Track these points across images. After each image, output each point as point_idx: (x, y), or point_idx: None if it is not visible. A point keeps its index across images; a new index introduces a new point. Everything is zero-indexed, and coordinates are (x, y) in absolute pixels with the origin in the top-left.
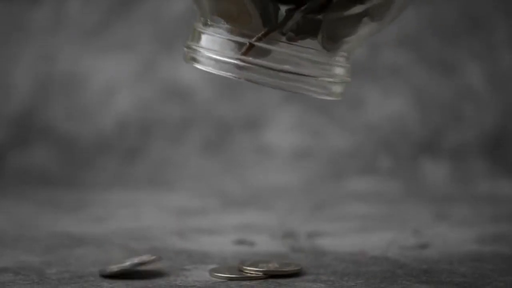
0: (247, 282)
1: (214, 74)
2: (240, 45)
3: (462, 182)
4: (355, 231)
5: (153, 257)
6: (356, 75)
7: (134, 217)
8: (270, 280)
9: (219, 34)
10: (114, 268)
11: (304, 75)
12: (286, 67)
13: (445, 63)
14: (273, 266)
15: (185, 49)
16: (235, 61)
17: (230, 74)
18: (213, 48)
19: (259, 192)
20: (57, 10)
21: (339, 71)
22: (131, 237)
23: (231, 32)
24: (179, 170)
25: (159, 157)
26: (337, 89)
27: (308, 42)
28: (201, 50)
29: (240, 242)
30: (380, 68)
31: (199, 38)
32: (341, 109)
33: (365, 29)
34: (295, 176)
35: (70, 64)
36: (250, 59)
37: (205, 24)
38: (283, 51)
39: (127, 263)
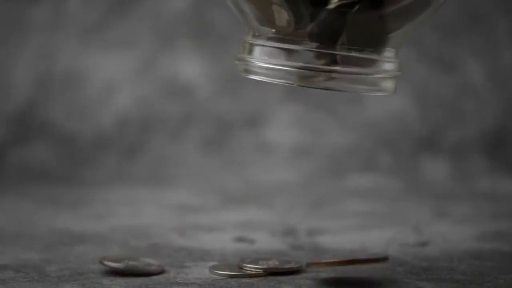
0: (247, 280)
1: (256, 79)
2: (288, 51)
3: (462, 179)
4: (355, 229)
5: (157, 267)
6: None
7: (134, 215)
8: (270, 278)
9: (267, 43)
10: (116, 265)
11: (353, 73)
12: (336, 68)
13: (445, 60)
14: (273, 263)
15: (236, 61)
16: (286, 68)
17: (284, 81)
18: (264, 57)
19: (259, 190)
20: (57, 8)
21: (388, 66)
22: (131, 234)
23: (279, 40)
24: (179, 168)
25: (159, 155)
26: (388, 84)
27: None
28: (253, 60)
29: (240, 239)
30: None
31: (249, 50)
32: (341, 106)
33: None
34: (295, 173)
35: (70, 62)
36: (300, 64)
37: (254, 36)
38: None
39: (131, 263)
